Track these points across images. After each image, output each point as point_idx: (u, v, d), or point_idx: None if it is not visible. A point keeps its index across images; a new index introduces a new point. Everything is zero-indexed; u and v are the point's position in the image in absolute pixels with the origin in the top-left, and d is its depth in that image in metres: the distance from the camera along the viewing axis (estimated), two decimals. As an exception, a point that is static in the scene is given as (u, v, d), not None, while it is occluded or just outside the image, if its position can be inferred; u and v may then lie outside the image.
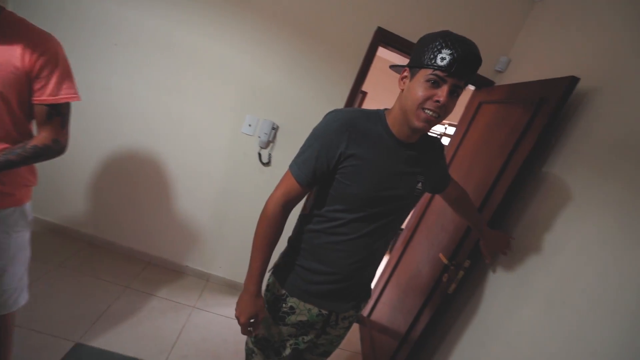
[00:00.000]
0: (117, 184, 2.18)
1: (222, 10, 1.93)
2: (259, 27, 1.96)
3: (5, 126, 0.97)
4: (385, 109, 0.94)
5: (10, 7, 1.94)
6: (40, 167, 1.15)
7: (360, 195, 0.88)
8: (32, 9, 1.93)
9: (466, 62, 0.77)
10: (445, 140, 3.67)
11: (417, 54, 0.83)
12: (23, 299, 1.13)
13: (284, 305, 1.00)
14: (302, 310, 1.00)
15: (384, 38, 1.96)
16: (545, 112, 1.34)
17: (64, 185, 2.17)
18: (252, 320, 0.94)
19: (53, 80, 0.99)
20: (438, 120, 0.82)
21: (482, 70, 2.02)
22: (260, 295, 0.95)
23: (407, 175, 0.93)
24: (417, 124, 0.83)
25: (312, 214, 0.97)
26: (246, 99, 2.06)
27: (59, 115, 1.04)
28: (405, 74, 0.87)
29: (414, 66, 0.83)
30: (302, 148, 0.91)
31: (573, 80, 1.29)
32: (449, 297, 1.54)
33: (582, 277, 1.07)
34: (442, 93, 0.78)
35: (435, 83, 0.79)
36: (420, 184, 0.96)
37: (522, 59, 1.90)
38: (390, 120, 0.90)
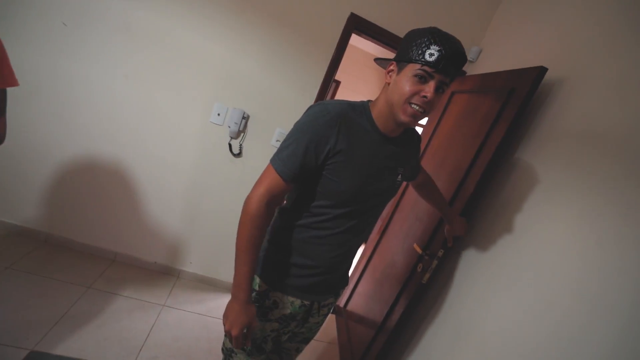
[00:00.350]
0: (75, 177, 2.01)
1: None
2: (231, 11, 1.85)
3: None
4: (369, 101, 0.93)
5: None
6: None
7: (347, 192, 0.88)
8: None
9: (453, 60, 0.78)
10: (419, 129, 3.72)
11: (404, 48, 0.83)
12: None
13: (267, 300, 0.98)
14: (285, 303, 0.98)
15: (357, 25, 1.91)
16: (516, 102, 1.36)
17: (12, 180, 1.98)
18: (245, 331, 0.88)
19: None
20: (424, 115, 0.83)
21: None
22: (251, 301, 0.89)
23: (389, 169, 0.95)
24: (404, 118, 0.83)
25: (294, 208, 0.95)
26: (214, 86, 1.95)
27: None
28: (391, 67, 0.87)
29: (402, 60, 0.83)
30: (285, 142, 0.86)
31: (542, 71, 1.30)
32: (423, 286, 1.55)
33: (549, 258, 1.10)
34: (429, 89, 0.80)
35: (423, 78, 0.80)
36: (399, 176, 0.99)
37: (493, 49, 1.92)
38: (375, 114, 0.90)
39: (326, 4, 1.90)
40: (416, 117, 0.83)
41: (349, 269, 1.11)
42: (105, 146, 1.98)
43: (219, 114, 1.98)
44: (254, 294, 0.98)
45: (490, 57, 1.92)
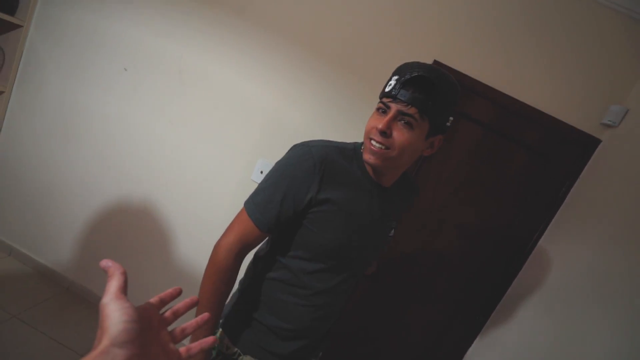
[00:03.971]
0: (105, 224, 1.87)
1: (243, 36, 1.63)
2: (288, 57, 1.62)
3: None
4: (362, 143, 0.82)
5: (32, 29, 1.85)
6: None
7: (329, 245, 0.78)
8: (52, 28, 1.82)
9: (411, 84, 0.69)
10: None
11: None
12: None
13: None
14: None
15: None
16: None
17: (50, 218, 1.92)
18: None
19: None
20: (388, 152, 0.73)
21: (583, 124, 1.45)
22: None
23: (381, 222, 0.86)
24: (365, 156, 0.76)
25: (268, 258, 0.85)
26: (259, 139, 1.68)
27: None
28: None
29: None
30: (262, 184, 0.78)
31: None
32: None
33: None
34: (382, 120, 0.72)
35: (383, 111, 0.74)
36: (392, 231, 0.92)
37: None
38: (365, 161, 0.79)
39: (407, 52, 1.55)
40: (376, 155, 0.73)
41: (330, 328, 0.96)
42: (136, 191, 1.82)
43: (262, 172, 1.68)
44: (219, 357, 0.86)
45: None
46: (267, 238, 0.88)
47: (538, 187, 1.53)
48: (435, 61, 1.51)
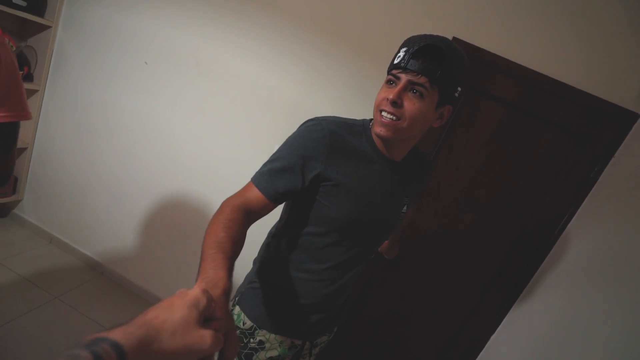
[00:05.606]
0: (138, 216, 1.97)
1: (267, 30, 1.63)
2: (305, 46, 1.60)
3: None
4: (371, 119, 0.82)
5: (60, 29, 1.94)
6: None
7: (339, 220, 0.79)
8: (77, 27, 1.91)
9: (420, 54, 0.69)
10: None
11: None
12: None
13: (252, 340, 0.88)
14: (272, 344, 0.89)
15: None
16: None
17: (91, 212, 2.04)
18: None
19: None
20: (399, 123, 0.73)
21: (619, 99, 1.34)
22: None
23: (393, 197, 0.86)
24: (376, 129, 0.76)
25: (282, 235, 0.88)
26: (279, 128, 1.69)
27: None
28: None
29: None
30: (272, 156, 0.78)
31: None
32: None
33: None
34: (393, 90, 0.72)
35: (392, 83, 0.74)
36: (405, 207, 0.91)
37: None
38: (375, 134, 0.80)
39: (428, 30, 1.49)
40: (388, 127, 0.73)
41: (346, 303, 1.00)
42: (165, 184, 1.89)
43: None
44: (237, 332, 0.88)
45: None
46: (280, 216, 0.91)
47: (568, 168, 1.44)
48: (454, 38, 1.45)
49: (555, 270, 1.42)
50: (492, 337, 1.60)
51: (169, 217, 1.92)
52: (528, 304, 1.49)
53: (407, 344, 1.74)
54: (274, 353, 0.90)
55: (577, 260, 1.35)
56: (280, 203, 0.78)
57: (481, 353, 1.62)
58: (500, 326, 1.58)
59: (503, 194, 1.51)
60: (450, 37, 1.44)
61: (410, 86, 0.71)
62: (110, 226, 2.03)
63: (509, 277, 1.56)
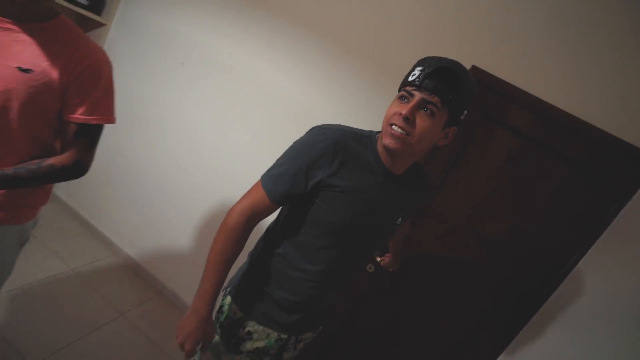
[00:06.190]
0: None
1: (304, 46, 1.73)
2: (328, 58, 1.69)
3: (23, 139, 0.86)
4: (378, 132, 0.86)
5: (112, 28, 2.14)
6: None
7: (335, 223, 0.83)
8: (128, 28, 2.10)
9: (435, 75, 0.73)
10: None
11: None
12: None
13: (241, 330, 0.92)
14: (260, 335, 0.93)
15: (478, 78, 1.47)
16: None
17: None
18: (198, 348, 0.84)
19: (90, 99, 0.88)
20: (407, 138, 0.76)
21: (638, 139, 1.32)
22: (211, 319, 0.85)
23: (389, 208, 0.89)
24: (385, 140, 0.79)
25: (279, 232, 0.91)
26: (299, 134, 1.76)
27: (87, 135, 0.92)
28: None
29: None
30: (279, 160, 0.84)
31: None
32: None
33: None
34: (406, 106, 0.75)
35: (405, 99, 0.77)
36: (399, 220, 0.94)
37: None
38: (380, 147, 0.84)
39: (447, 55, 1.54)
40: (397, 140, 0.76)
41: (332, 304, 1.03)
42: (181, 179, 2.00)
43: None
44: (227, 321, 0.94)
45: None
46: (278, 213, 0.95)
47: (579, 206, 1.41)
48: (473, 66, 1.49)
49: (559, 309, 1.37)
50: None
51: (184, 210, 2.02)
52: (527, 343, 1.43)
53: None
54: (261, 344, 0.93)
55: (584, 301, 1.30)
56: (284, 205, 0.84)
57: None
58: (499, 358, 1.52)
59: (509, 224, 1.49)
60: (469, 66, 1.49)
61: (423, 104, 0.74)
62: (130, 212, 2.15)
63: (508, 311, 1.51)
